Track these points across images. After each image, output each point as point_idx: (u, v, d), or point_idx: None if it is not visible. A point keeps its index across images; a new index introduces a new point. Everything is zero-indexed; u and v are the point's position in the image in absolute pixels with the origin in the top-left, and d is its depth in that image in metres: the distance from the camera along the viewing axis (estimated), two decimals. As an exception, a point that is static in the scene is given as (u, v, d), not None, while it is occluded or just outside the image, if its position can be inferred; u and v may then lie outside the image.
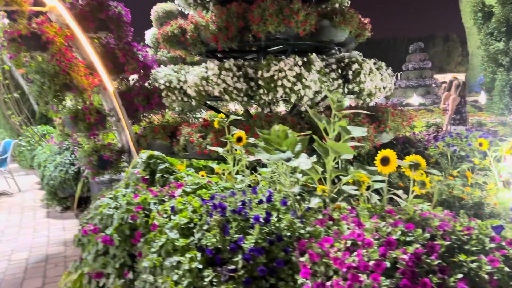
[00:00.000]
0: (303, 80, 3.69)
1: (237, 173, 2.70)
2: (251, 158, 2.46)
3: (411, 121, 4.75)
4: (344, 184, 2.24)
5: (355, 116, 3.82)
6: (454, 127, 6.58)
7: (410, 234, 1.56)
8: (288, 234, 1.75)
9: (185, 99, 4.15)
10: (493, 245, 1.54)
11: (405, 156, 5.24)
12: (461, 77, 22.71)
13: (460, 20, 20.78)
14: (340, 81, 3.99)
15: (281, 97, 3.76)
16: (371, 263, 1.43)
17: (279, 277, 1.65)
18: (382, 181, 2.29)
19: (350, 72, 4.00)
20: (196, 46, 4.25)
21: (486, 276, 1.38)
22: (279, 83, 3.68)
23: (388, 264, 1.41)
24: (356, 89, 4.05)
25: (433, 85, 24.33)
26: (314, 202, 1.98)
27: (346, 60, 4.07)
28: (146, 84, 4.38)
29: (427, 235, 1.53)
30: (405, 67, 25.76)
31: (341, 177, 2.24)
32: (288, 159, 1.89)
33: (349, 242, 1.57)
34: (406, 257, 1.42)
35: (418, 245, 1.46)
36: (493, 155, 3.57)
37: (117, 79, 4.64)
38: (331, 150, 2.06)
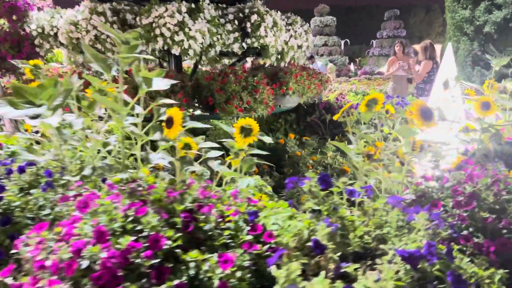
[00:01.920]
0: (186, 29, 3.20)
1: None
2: None
3: (326, 84, 4.34)
4: (161, 151, 1.82)
5: (248, 76, 3.38)
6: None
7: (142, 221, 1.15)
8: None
9: (61, 48, 3.63)
10: (250, 237, 1.16)
11: (322, 123, 4.89)
12: (438, 47, 22.41)
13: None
14: (236, 34, 3.51)
15: (162, 48, 3.27)
16: (64, 262, 1.03)
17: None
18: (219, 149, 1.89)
19: (248, 25, 3.53)
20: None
21: (216, 283, 1.00)
22: (158, 31, 3.18)
23: (84, 265, 1.00)
24: (256, 44, 3.59)
25: (412, 53, 23.95)
26: (87, 172, 1.56)
27: (247, 11, 3.58)
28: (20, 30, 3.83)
29: (156, 223, 1.13)
30: (379, 35, 25.27)
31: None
32: (37, 116, 1.44)
33: (64, 231, 1.16)
34: (105, 254, 1.01)
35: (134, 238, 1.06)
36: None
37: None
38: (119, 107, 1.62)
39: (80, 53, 3.48)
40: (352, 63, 24.29)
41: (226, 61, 4.82)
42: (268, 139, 1.84)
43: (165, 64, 4.47)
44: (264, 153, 1.64)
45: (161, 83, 1.68)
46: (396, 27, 24.68)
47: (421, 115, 1.40)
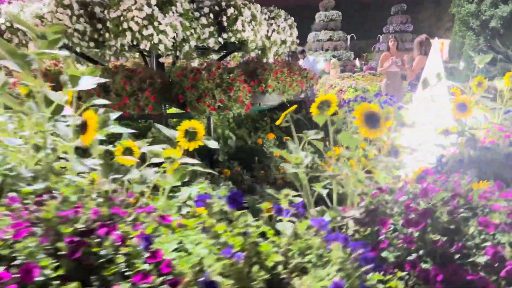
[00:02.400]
0: (156, 23, 3.03)
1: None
2: None
3: (312, 81, 4.14)
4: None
5: (224, 73, 3.20)
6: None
7: None
8: None
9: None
10: (146, 266, 0.99)
11: (309, 121, 4.69)
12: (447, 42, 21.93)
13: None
14: (212, 28, 3.33)
15: (132, 43, 3.11)
16: None
17: None
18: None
19: (224, 19, 3.34)
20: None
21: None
22: (125, 25, 3.02)
23: None
24: (234, 39, 3.41)
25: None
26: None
27: (223, 4, 3.40)
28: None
29: (33, 249, 0.96)
30: (386, 30, 24.86)
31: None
32: None
33: None
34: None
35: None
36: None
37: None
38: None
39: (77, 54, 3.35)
40: (357, 58, 23.93)
41: (215, 56, 4.66)
42: (213, 144, 1.67)
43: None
44: (195, 161, 1.47)
45: (88, 82, 1.51)
46: (403, 22, 24.25)
47: (365, 121, 1.22)
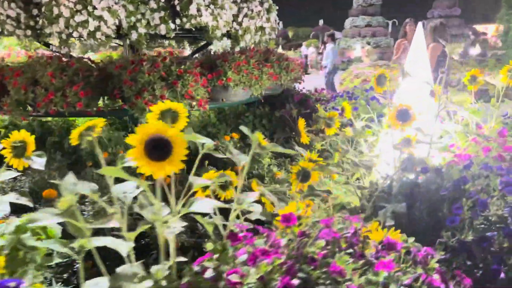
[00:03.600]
0: (89, 8, 2.67)
1: None
2: None
3: (293, 73, 3.63)
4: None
5: (173, 64, 2.79)
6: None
7: None
8: None
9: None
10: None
11: (294, 118, 4.18)
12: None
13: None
14: (163, 13, 2.92)
15: (68, 30, 2.77)
16: None
17: None
18: None
19: (176, 2, 2.92)
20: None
21: None
22: (56, 10, 2.68)
23: None
24: (189, 25, 2.98)
25: (463, 36, 21.90)
26: None
27: (177, -16, 2.97)
28: None
29: None
30: (430, 14, 23.30)
31: None
32: None
33: None
34: None
35: None
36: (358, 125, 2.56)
37: None
38: None
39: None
40: (398, 46, 22.58)
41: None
42: (40, 163, 1.29)
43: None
44: None
45: None
46: (449, 6, 22.59)
47: (147, 151, 0.79)
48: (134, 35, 2.93)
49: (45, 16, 2.78)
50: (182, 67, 2.85)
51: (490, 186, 1.30)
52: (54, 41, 2.98)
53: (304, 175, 1.53)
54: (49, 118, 3.36)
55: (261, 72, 3.19)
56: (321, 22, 28.00)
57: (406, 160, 1.41)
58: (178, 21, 2.98)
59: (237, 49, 3.50)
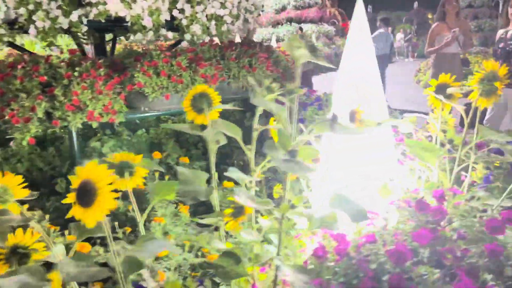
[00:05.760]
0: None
1: None
2: None
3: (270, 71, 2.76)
4: None
5: (60, 66, 2.20)
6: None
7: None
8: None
9: None
10: None
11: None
12: None
13: None
14: (60, 1, 2.32)
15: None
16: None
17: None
18: None
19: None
20: None
21: None
22: None
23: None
24: (92, 16, 2.34)
25: None
26: None
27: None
28: None
29: None
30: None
31: None
32: None
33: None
34: None
35: None
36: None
37: None
38: None
39: None
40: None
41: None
42: None
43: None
44: None
45: None
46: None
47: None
48: (32, 30, 2.38)
49: None
50: (77, 69, 2.24)
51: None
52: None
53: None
54: None
55: (191, 74, 2.44)
56: (415, 4, 25.10)
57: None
58: (80, 11, 2.36)
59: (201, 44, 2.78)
